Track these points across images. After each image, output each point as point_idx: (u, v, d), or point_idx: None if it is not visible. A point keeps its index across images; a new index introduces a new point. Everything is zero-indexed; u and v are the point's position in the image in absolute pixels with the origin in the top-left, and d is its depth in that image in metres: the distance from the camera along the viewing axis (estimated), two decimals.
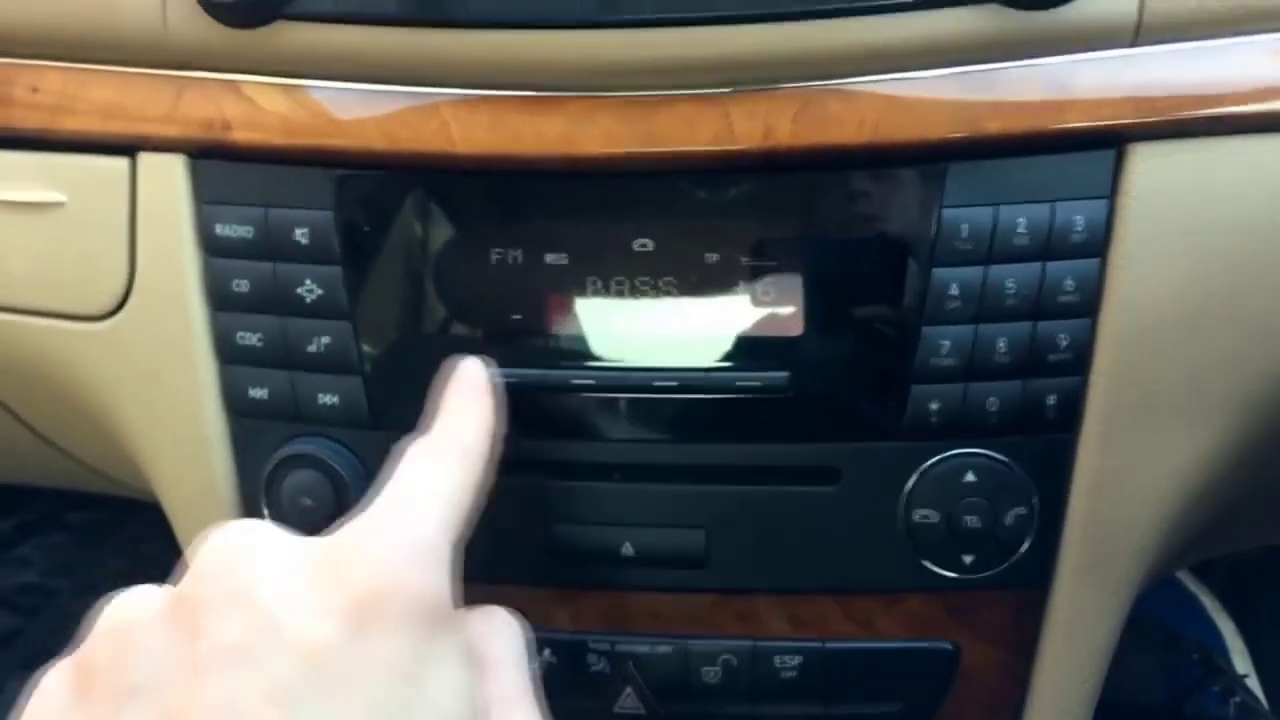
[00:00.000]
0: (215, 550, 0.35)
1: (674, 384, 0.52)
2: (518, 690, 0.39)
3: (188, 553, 0.36)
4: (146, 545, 1.11)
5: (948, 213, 0.50)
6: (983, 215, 0.50)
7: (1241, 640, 0.99)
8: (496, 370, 0.47)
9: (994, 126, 0.49)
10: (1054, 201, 0.49)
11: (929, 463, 0.52)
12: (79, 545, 1.11)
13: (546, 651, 0.55)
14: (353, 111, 0.52)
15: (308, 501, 0.53)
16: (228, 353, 0.55)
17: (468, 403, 0.46)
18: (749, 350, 0.52)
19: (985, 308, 0.50)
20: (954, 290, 0.50)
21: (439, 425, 0.45)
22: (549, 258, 0.52)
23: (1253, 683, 0.95)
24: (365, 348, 0.53)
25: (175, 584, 0.35)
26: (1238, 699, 0.89)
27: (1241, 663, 0.97)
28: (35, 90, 0.55)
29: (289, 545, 0.36)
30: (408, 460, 0.41)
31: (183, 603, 0.34)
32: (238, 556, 0.35)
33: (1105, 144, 0.49)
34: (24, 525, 1.11)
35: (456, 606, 0.37)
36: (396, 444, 0.42)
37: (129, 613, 0.35)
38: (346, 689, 0.32)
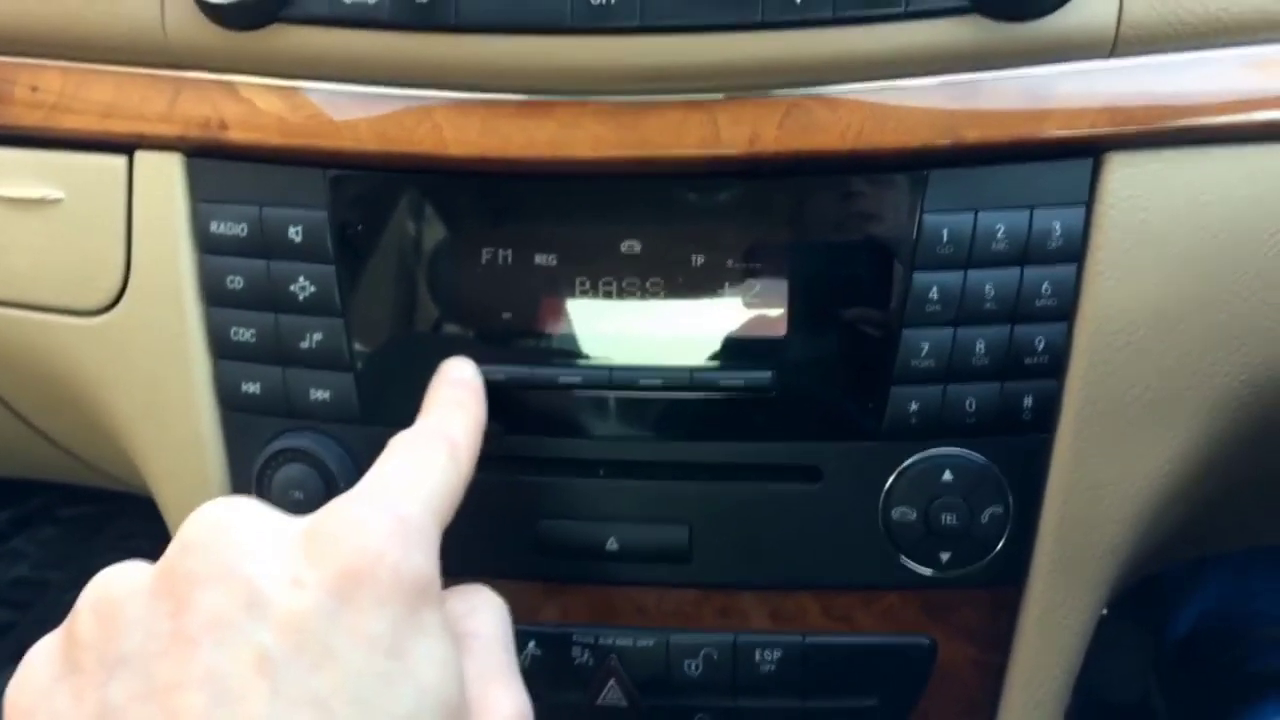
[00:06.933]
0: (200, 525, 0.36)
1: (659, 383, 0.53)
2: (500, 665, 0.40)
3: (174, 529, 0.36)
4: (138, 539, 1.12)
5: (929, 218, 0.51)
6: (963, 221, 0.51)
7: None
8: (482, 369, 0.49)
9: (974, 135, 0.50)
10: (1032, 208, 0.51)
11: (908, 462, 0.53)
12: (71, 539, 1.12)
13: (531, 644, 0.56)
14: (347, 113, 0.53)
15: (298, 495, 0.54)
16: (221, 348, 0.55)
17: (453, 397, 0.48)
18: (733, 351, 0.53)
19: (964, 311, 0.51)
20: (934, 294, 0.51)
21: (424, 418, 0.47)
22: (538, 258, 0.53)
23: None
24: (357, 344, 0.54)
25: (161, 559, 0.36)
26: None
27: None
28: (35, 89, 0.56)
29: (273, 520, 0.37)
30: (393, 448, 0.43)
31: (168, 576, 0.35)
32: (223, 530, 0.35)
33: (1083, 153, 0.51)
34: (17, 519, 1.11)
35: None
36: (388, 438, 0.43)
37: (116, 586, 0.35)
38: (330, 660, 0.33)
